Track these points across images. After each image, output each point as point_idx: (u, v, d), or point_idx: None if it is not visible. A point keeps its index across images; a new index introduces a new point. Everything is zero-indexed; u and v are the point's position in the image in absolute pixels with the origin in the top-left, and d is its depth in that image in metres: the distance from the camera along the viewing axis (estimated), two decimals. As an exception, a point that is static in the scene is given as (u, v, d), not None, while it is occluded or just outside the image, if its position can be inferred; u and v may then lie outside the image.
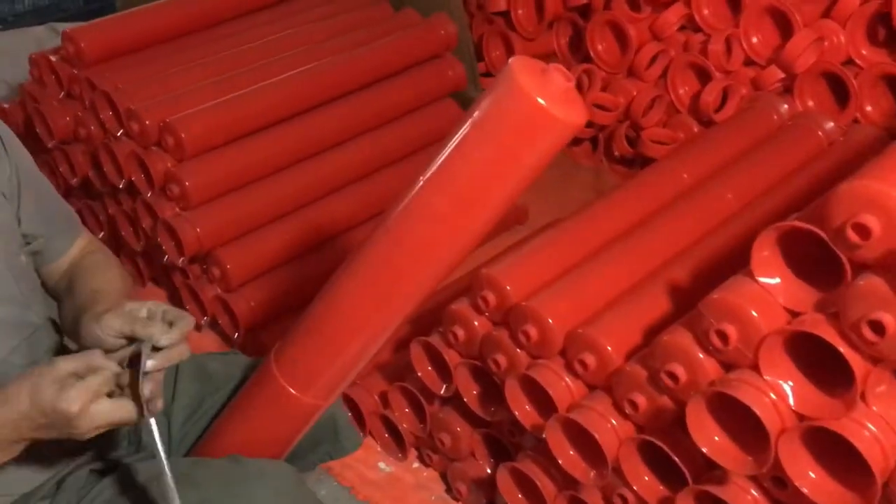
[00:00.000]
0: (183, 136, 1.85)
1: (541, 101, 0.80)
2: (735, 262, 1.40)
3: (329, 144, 2.09)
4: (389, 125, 2.20)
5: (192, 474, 0.99)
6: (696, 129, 2.29)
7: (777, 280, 1.05)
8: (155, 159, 1.89)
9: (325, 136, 2.08)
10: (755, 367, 1.05)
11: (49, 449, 1.05)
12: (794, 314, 1.06)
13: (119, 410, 0.90)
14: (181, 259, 1.89)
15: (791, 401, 1.03)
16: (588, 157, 2.58)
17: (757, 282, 1.06)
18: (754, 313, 1.05)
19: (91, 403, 0.87)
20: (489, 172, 0.86)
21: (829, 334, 0.99)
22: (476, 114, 0.85)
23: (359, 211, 2.07)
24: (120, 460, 1.12)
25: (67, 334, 1.11)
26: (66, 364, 0.90)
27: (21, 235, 1.07)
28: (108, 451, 1.13)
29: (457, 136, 0.87)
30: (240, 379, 1.21)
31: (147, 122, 1.88)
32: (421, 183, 0.90)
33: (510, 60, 0.83)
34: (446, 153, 0.88)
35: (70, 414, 0.86)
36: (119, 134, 1.95)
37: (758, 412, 1.02)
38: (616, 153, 2.48)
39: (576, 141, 2.60)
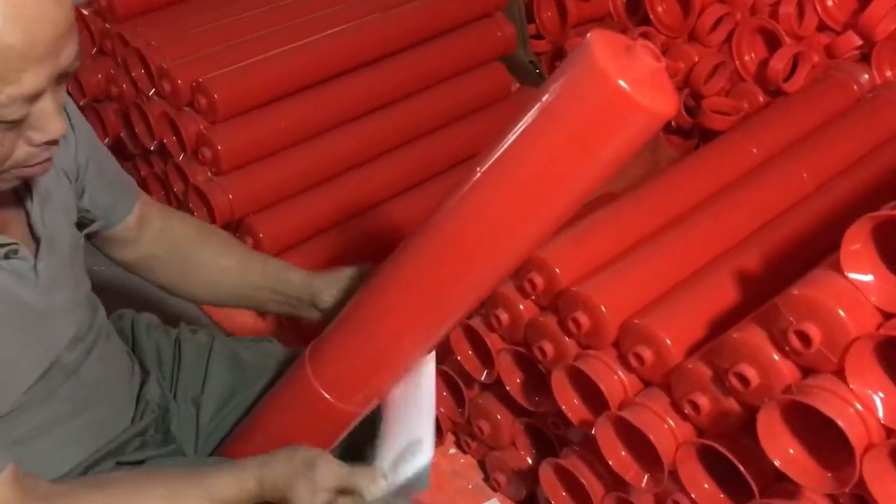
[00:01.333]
0: (216, 96, 1.76)
1: (624, 84, 0.68)
2: (811, 250, 1.28)
3: (369, 108, 1.98)
4: (433, 88, 2.08)
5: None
6: (761, 100, 2.13)
7: (869, 277, 0.93)
8: (187, 121, 1.80)
9: (366, 99, 1.97)
10: (839, 374, 0.93)
11: (74, 436, 0.99)
12: (888, 316, 0.93)
13: None
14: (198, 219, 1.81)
15: (880, 413, 0.91)
16: (643, 128, 2.44)
17: (846, 277, 0.93)
18: (842, 313, 0.92)
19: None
20: (558, 168, 0.74)
21: (930, 341, 0.87)
22: (546, 97, 0.73)
23: (399, 179, 1.97)
24: (147, 457, 1.05)
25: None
26: (330, 478, 0.88)
27: (80, 211, 1.01)
28: (134, 439, 1.06)
29: (522, 122, 0.75)
30: (274, 371, 1.13)
31: (179, 82, 1.79)
32: (478, 175, 0.78)
33: (589, 35, 0.70)
34: (508, 142, 0.75)
35: None
36: (151, 93, 1.87)
37: (842, 425, 0.90)
38: (674, 123, 2.33)
39: (630, 109, 2.45)
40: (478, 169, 0.79)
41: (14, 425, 0.90)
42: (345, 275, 0.97)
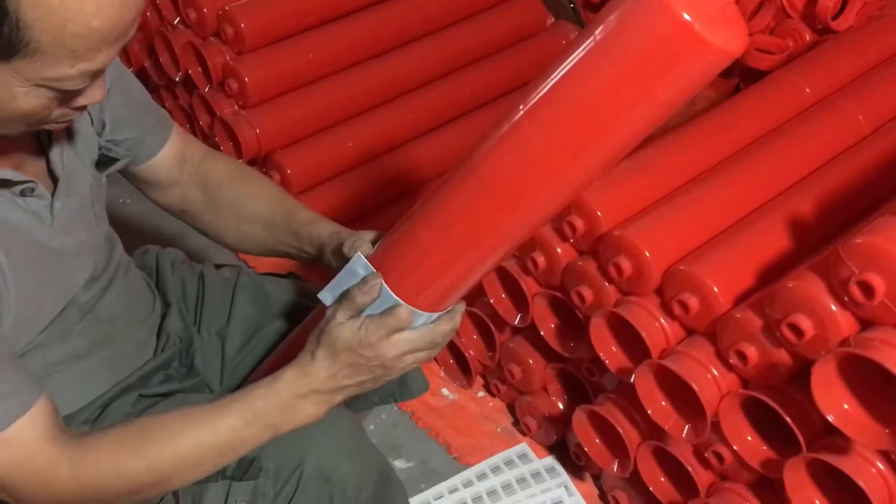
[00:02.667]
0: (243, 26, 1.70)
1: (688, 17, 0.62)
2: (866, 197, 1.22)
3: (399, 41, 1.91)
4: (466, 22, 2.00)
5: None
6: (808, 39, 2.03)
7: (941, 226, 0.87)
8: (213, 51, 1.75)
9: (396, 32, 1.90)
10: (902, 327, 0.89)
11: (93, 371, 0.96)
12: (958, 267, 0.88)
13: (423, 338, 0.86)
14: (239, 161, 1.76)
15: (945, 370, 0.86)
16: (680, 66, 2.35)
17: (915, 226, 0.88)
18: (910, 264, 0.87)
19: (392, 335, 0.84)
20: (610, 108, 0.67)
21: None
22: (599, 30, 0.66)
23: (428, 118, 1.91)
24: (170, 390, 1.03)
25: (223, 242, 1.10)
26: (368, 333, 0.85)
27: (102, 148, 0.97)
28: (157, 373, 1.04)
29: (572, 56, 0.68)
30: (299, 306, 1.10)
31: (205, 10, 1.73)
32: (520, 113, 0.72)
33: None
34: (556, 78, 0.69)
35: (371, 342, 0.84)
36: (176, 22, 1.81)
37: (903, 380, 0.86)
38: (713, 62, 2.24)
39: (668, 47, 2.36)
40: (521, 107, 0.73)
41: (30, 362, 0.88)
42: (369, 237, 0.93)
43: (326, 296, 0.88)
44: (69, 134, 0.90)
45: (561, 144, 0.72)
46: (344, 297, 0.86)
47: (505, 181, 0.75)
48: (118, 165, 0.99)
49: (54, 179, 0.88)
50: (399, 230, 0.86)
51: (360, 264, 0.86)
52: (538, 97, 0.71)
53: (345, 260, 0.90)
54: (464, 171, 0.78)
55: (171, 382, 1.04)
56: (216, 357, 1.12)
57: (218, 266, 1.19)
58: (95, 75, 0.74)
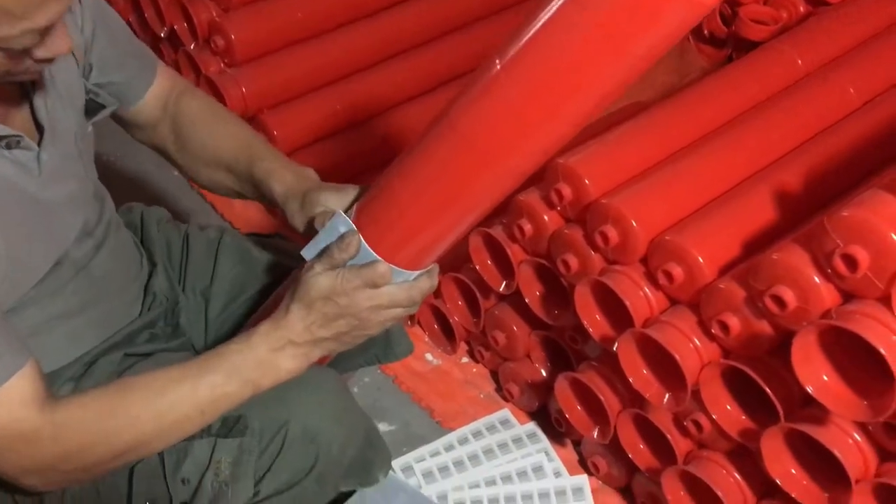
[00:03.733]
0: (230, -19, 1.67)
1: None
2: (854, 170, 1.22)
3: (390, 2, 1.88)
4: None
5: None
6: (802, 10, 2.01)
7: (926, 200, 0.87)
8: (199, 7, 1.72)
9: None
10: (884, 301, 0.89)
11: (82, 330, 0.96)
12: (942, 242, 0.88)
13: (400, 292, 0.84)
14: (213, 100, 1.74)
15: (925, 343, 0.87)
16: (673, 35, 2.33)
17: (901, 200, 0.88)
18: (894, 237, 0.87)
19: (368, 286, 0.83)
20: (584, 61, 0.67)
21: None
22: None
23: (419, 81, 1.88)
24: (156, 349, 1.02)
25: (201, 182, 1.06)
26: (341, 281, 0.84)
27: (89, 92, 0.95)
28: (142, 332, 1.03)
29: (545, 11, 0.67)
30: (283, 266, 1.09)
31: (191, -35, 1.69)
32: (496, 68, 0.72)
33: None
34: (530, 33, 0.68)
35: (346, 290, 0.82)
36: (161, -24, 1.77)
37: (884, 352, 0.86)
38: (706, 31, 2.22)
39: (661, 15, 2.34)
40: (497, 62, 0.72)
41: (22, 318, 0.87)
42: (330, 198, 0.91)
43: (308, 253, 0.88)
44: (54, 82, 0.88)
45: (538, 97, 0.71)
46: (322, 253, 0.85)
47: (482, 136, 0.75)
48: (105, 112, 0.97)
49: (40, 130, 0.87)
50: (378, 187, 0.85)
51: (340, 222, 0.85)
52: (514, 50, 0.71)
53: (306, 219, 0.88)
54: (441, 126, 0.77)
55: (156, 342, 1.04)
56: (200, 316, 1.11)
57: (202, 227, 1.18)
58: (45, 31, 0.73)
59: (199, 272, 1.12)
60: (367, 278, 0.83)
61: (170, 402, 0.83)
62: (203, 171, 1.05)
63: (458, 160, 0.77)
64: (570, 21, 0.67)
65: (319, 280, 0.83)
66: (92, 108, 0.95)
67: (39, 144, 0.86)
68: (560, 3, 0.67)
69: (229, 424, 0.92)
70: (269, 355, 0.85)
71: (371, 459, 1.01)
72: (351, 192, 0.92)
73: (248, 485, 0.91)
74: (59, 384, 0.94)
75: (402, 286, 0.85)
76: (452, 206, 0.81)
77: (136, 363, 0.99)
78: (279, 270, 1.10)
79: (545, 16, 0.68)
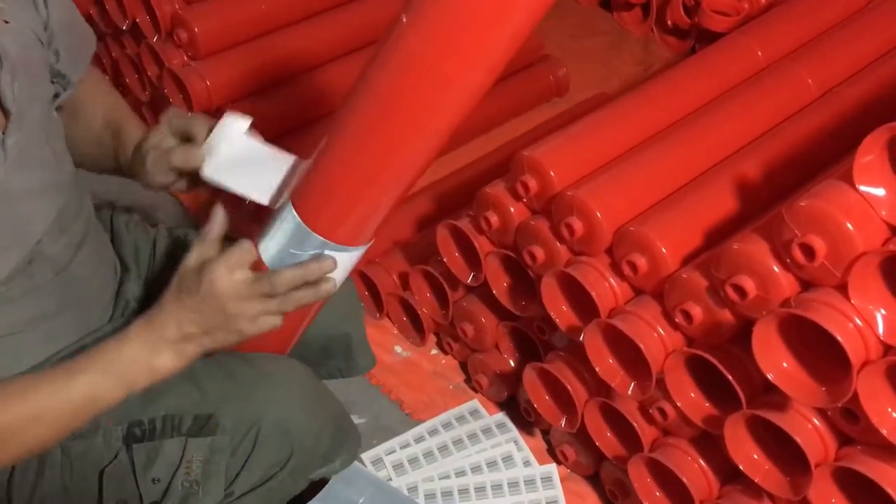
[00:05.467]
0: (192, -26, 1.65)
1: None
2: (813, 161, 1.24)
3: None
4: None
5: (192, 370, 0.87)
6: (763, 2, 2.05)
7: (881, 190, 0.89)
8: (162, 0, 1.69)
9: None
10: (841, 289, 0.91)
11: (55, 333, 0.94)
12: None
13: (260, 281, 0.81)
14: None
15: (880, 330, 0.89)
16: (637, 26, 2.35)
17: (857, 190, 0.90)
18: (850, 227, 0.89)
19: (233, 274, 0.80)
20: (485, 8, 0.70)
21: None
22: None
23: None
24: None
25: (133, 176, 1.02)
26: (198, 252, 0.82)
27: (55, 75, 0.92)
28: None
29: None
30: None
31: (152, -44, 1.67)
32: (403, 22, 0.74)
33: None
34: None
35: (211, 279, 0.80)
36: (122, -32, 1.75)
37: (841, 340, 0.88)
38: (669, 22, 2.24)
39: (625, 5, 2.36)
40: (402, 17, 0.74)
41: None
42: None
43: (263, 246, 0.87)
44: (19, 65, 0.85)
45: (450, 52, 0.73)
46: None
47: (402, 99, 0.76)
48: (65, 96, 0.94)
49: (6, 114, 0.84)
50: (311, 163, 0.85)
51: (286, 208, 0.84)
52: (418, 6, 0.73)
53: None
54: (362, 95, 0.78)
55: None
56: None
57: (171, 228, 1.17)
58: None
59: (166, 276, 1.11)
60: (231, 261, 0.80)
61: (43, 396, 0.81)
62: (80, 149, 1.02)
63: (385, 124, 0.78)
64: None
65: (187, 271, 0.81)
66: (57, 93, 0.93)
67: (4, 131, 0.83)
68: None
69: (200, 422, 0.92)
70: (141, 353, 0.83)
71: (342, 444, 1.01)
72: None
73: (220, 483, 0.91)
74: None
75: (261, 274, 0.83)
76: (384, 171, 0.82)
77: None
78: None
79: None
